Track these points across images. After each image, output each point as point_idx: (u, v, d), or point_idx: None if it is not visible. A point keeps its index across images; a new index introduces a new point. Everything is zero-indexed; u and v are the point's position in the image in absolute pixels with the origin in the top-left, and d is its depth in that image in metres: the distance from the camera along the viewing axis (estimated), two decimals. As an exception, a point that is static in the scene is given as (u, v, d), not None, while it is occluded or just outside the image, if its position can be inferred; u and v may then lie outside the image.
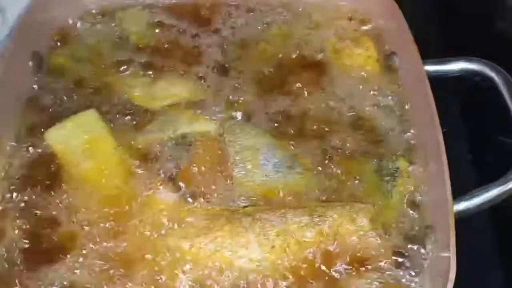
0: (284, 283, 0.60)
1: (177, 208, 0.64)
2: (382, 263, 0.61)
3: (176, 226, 0.63)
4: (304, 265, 0.61)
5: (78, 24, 0.80)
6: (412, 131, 0.70)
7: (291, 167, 0.67)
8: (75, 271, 0.61)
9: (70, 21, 0.80)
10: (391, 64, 0.76)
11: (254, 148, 0.68)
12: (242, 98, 0.73)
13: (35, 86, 0.74)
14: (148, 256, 0.61)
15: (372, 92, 0.74)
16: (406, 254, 0.62)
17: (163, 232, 0.62)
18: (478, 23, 0.94)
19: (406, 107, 0.73)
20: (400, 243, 0.63)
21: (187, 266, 0.60)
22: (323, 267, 0.61)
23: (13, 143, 0.69)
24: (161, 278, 0.60)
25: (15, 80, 0.72)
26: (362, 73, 0.76)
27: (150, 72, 0.75)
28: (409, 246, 0.62)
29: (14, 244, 0.62)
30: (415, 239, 0.63)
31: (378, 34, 0.79)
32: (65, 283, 0.60)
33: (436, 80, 0.71)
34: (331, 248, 0.62)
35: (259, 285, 0.59)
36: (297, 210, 0.63)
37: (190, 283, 0.59)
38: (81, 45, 0.79)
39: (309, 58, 0.78)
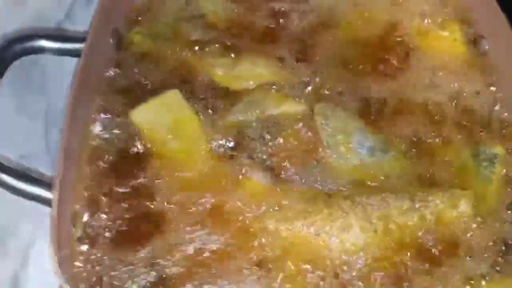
0: (387, 269, 0.58)
1: (271, 190, 0.62)
2: (485, 253, 0.60)
3: (272, 209, 0.61)
4: (406, 251, 0.59)
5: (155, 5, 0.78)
6: (507, 115, 0.68)
7: (385, 150, 0.65)
8: (167, 255, 0.59)
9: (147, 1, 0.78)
10: (480, 48, 0.74)
11: (346, 131, 0.66)
12: (326, 81, 0.71)
13: (116, 65, 0.72)
14: (245, 241, 0.59)
15: (461, 77, 0.72)
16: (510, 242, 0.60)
17: (259, 215, 0.61)
18: None
19: (499, 91, 0.71)
20: (504, 231, 0.61)
21: (287, 250, 0.58)
22: (424, 254, 0.59)
23: (99, 122, 0.67)
24: (260, 263, 0.58)
25: (98, 59, 0.70)
26: (448, 56, 0.74)
27: (231, 52, 0.74)
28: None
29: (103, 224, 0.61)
30: (518, 226, 0.61)
31: (465, 16, 0.76)
32: (157, 266, 0.59)
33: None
34: (433, 234, 0.60)
35: (362, 270, 0.58)
36: (398, 194, 0.61)
37: (291, 267, 0.58)
38: (158, 23, 0.77)
39: (393, 40, 0.75)
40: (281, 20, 0.77)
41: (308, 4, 0.78)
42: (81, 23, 0.80)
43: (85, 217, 0.60)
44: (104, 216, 0.60)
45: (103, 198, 0.61)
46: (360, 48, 0.74)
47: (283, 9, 0.77)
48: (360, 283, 0.57)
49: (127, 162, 0.64)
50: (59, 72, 0.80)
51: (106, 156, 0.64)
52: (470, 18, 0.76)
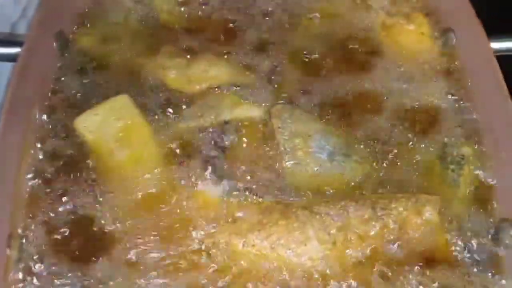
0: (347, 282, 0.54)
1: (224, 202, 0.58)
2: (453, 261, 0.56)
3: (225, 222, 0.57)
4: (368, 263, 0.55)
5: (104, 2, 0.73)
6: (476, 114, 0.64)
7: (347, 155, 0.61)
8: (112, 273, 0.55)
9: (95, -1, 0.74)
10: (448, 42, 0.70)
11: (305, 135, 0.62)
12: (286, 81, 0.67)
13: (60, 70, 0.67)
14: (196, 256, 0.55)
15: (427, 73, 0.68)
16: (480, 250, 0.56)
17: (211, 228, 0.56)
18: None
19: (468, 88, 0.67)
20: (472, 238, 0.57)
21: (240, 265, 0.54)
22: (387, 265, 0.55)
23: (40, 131, 0.62)
24: (210, 279, 0.54)
25: (40, 64, 0.65)
26: (415, 51, 0.70)
27: (185, 53, 0.69)
28: (482, 241, 0.57)
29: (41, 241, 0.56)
30: (489, 234, 0.57)
31: (432, 9, 0.73)
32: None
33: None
34: (396, 244, 0.56)
35: (320, 285, 0.54)
36: (358, 202, 0.57)
37: (244, 283, 0.54)
38: (108, 24, 0.72)
39: (357, 35, 0.71)
40: (238, 18, 0.73)
41: (268, 1, 0.74)
42: None
43: (22, 238, 0.56)
44: (43, 235, 0.56)
45: (42, 216, 0.57)
46: (322, 45, 0.70)
47: (240, 5, 0.74)
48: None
49: (69, 176, 0.59)
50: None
51: (47, 169, 0.60)
52: (436, 10, 0.73)
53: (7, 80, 0.65)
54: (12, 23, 0.86)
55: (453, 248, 0.56)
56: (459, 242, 0.56)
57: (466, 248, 0.56)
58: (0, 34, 0.75)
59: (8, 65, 0.69)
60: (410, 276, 0.55)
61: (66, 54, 0.68)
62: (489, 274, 0.55)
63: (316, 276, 0.54)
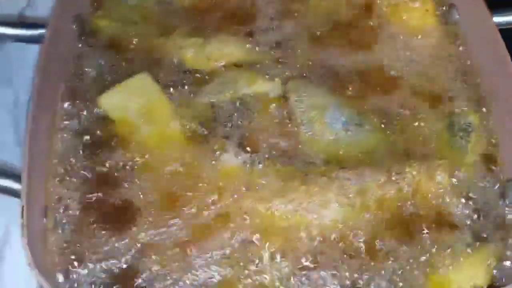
0: (367, 243, 0.58)
1: (247, 171, 0.61)
2: (463, 221, 0.60)
3: (249, 189, 0.60)
4: (385, 224, 0.59)
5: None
6: (481, 86, 0.68)
7: (360, 125, 0.65)
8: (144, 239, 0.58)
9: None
10: (450, 17, 0.73)
11: (320, 107, 0.65)
12: (298, 56, 0.70)
13: (81, 51, 0.70)
14: (222, 222, 0.58)
15: (432, 48, 0.72)
16: (488, 210, 0.60)
17: (236, 196, 0.59)
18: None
19: (472, 62, 0.70)
20: (481, 199, 0.61)
21: (266, 229, 0.57)
22: (404, 226, 0.59)
23: (65, 110, 0.65)
24: (239, 242, 0.57)
25: (61, 46, 0.67)
26: (420, 28, 0.73)
27: (200, 32, 0.72)
28: (491, 202, 0.61)
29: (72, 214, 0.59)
30: (497, 194, 0.61)
31: (436, -14, 0.76)
32: (132, 252, 0.57)
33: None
34: (411, 206, 0.60)
35: (342, 245, 0.57)
36: (374, 167, 0.61)
37: (271, 246, 0.57)
38: (123, 5, 0.75)
39: (364, 14, 0.74)
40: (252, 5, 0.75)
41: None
42: (43, 10, 0.79)
43: (57, 208, 0.58)
44: (76, 205, 0.59)
45: (74, 188, 0.60)
46: (331, 22, 0.73)
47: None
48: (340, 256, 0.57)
49: (97, 150, 0.62)
50: (24, 63, 0.78)
51: (75, 145, 0.62)
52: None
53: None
54: (18, 11, 0.89)
55: (463, 210, 0.60)
56: (470, 203, 0.60)
57: (476, 210, 0.60)
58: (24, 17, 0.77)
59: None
60: (423, 237, 0.59)
61: (85, 37, 0.71)
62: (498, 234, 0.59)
63: (337, 236, 0.57)
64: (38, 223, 0.56)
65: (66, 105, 0.65)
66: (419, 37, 0.72)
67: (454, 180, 0.61)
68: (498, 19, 0.69)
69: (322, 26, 0.73)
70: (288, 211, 0.58)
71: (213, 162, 0.62)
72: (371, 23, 0.73)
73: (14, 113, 0.78)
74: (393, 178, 0.60)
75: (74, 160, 0.62)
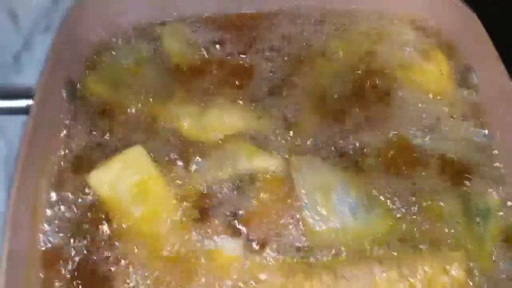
0: None
1: (246, 262, 0.57)
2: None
3: (247, 285, 0.55)
4: (395, 326, 0.54)
5: (113, 45, 0.71)
6: (501, 162, 0.63)
7: (369, 208, 0.60)
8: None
9: (104, 42, 0.71)
10: (469, 81, 0.68)
11: (326, 187, 0.60)
12: (303, 126, 0.65)
13: (70, 119, 0.66)
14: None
15: (448, 115, 0.66)
16: (508, 308, 0.55)
17: (233, 292, 0.55)
18: None
19: (491, 132, 0.65)
20: (501, 293, 0.56)
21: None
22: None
23: (53, 189, 0.61)
24: None
25: (49, 113, 0.63)
26: (435, 92, 0.68)
27: (198, 98, 0.67)
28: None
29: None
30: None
31: (451, 46, 0.70)
32: None
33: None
34: (424, 304, 0.55)
35: None
36: (384, 262, 0.56)
37: None
38: (117, 68, 0.70)
39: (374, 76, 0.69)
40: (251, 60, 0.70)
41: (280, 40, 0.72)
42: (40, 52, 0.73)
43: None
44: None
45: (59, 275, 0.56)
46: (339, 89, 0.68)
47: (253, 47, 0.71)
48: None
49: (84, 236, 0.58)
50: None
51: (60, 228, 0.58)
52: (455, 47, 0.71)
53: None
54: (14, 54, 0.85)
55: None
56: (488, 300, 0.56)
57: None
58: (9, 87, 0.72)
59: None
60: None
61: (76, 103, 0.66)
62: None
63: None
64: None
65: (52, 184, 0.61)
66: (434, 103, 0.67)
67: (471, 274, 0.56)
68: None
69: (329, 93, 0.68)
70: (290, 312, 0.54)
71: (209, 247, 0.58)
72: (382, 89, 0.68)
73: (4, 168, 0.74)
74: (405, 274, 0.55)
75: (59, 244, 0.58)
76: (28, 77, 0.71)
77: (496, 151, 0.63)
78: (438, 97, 0.67)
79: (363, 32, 0.72)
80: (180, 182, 0.61)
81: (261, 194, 0.61)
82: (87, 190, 0.61)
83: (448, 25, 0.71)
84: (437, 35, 0.72)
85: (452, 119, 0.66)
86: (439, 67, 0.69)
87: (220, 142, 0.64)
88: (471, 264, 0.56)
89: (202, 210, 0.60)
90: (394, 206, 0.60)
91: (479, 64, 0.68)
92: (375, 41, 0.71)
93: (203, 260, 0.57)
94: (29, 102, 0.62)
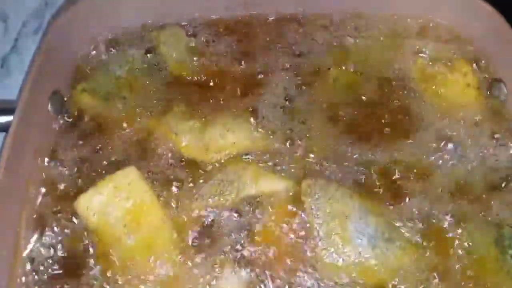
0: None
1: (252, 300, 0.51)
2: None
3: (254, 328, 0.49)
4: None
5: (105, 54, 0.65)
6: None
7: (390, 239, 0.53)
8: None
9: (94, 50, 0.65)
10: (497, 94, 0.62)
11: (342, 216, 0.54)
12: (315, 147, 0.59)
13: (55, 137, 0.59)
14: None
15: (476, 132, 0.60)
16: None
17: (238, 337, 0.49)
18: None
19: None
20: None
21: None
22: None
23: (38, 215, 0.54)
24: None
25: (31, 131, 0.56)
26: (461, 106, 0.62)
27: (198, 112, 0.61)
28: None
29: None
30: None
31: (478, 56, 0.64)
32: None
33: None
34: None
35: None
36: (408, 302, 0.50)
37: None
38: (109, 79, 0.63)
39: (393, 87, 0.63)
40: (258, 70, 0.64)
41: (288, 48, 0.65)
42: (28, 54, 0.75)
43: None
44: None
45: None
46: (354, 105, 0.62)
47: (260, 57, 0.65)
48: None
49: (71, 270, 0.52)
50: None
51: (45, 261, 0.52)
52: (481, 56, 0.64)
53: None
54: (2, 56, 0.80)
55: None
56: None
57: None
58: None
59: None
60: None
61: (63, 118, 0.60)
62: None
63: None
64: None
65: (34, 216, 0.54)
66: (461, 119, 0.61)
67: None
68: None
69: (343, 106, 0.61)
70: None
71: (210, 282, 0.52)
72: (402, 102, 0.62)
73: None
74: (430, 317, 0.49)
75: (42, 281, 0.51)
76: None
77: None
78: (463, 111, 0.61)
79: (382, 42, 0.65)
80: (177, 209, 0.55)
81: (269, 221, 0.54)
82: (74, 220, 0.55)
83: (477, 34, 0.65)
84: (464, 44, 0.66)
85: (478, 138, 0.59)
86: (465, 79, 0.63)
87: (223, 162, 0.58)
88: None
89: (202, 240, 0.54)
90: (416, 236, 0.54)
91: (508, 76, 0.62)
92: (394, 50, 0.65)
93: (203, 296, 0.51)
94: (9, 118, 0.56)
